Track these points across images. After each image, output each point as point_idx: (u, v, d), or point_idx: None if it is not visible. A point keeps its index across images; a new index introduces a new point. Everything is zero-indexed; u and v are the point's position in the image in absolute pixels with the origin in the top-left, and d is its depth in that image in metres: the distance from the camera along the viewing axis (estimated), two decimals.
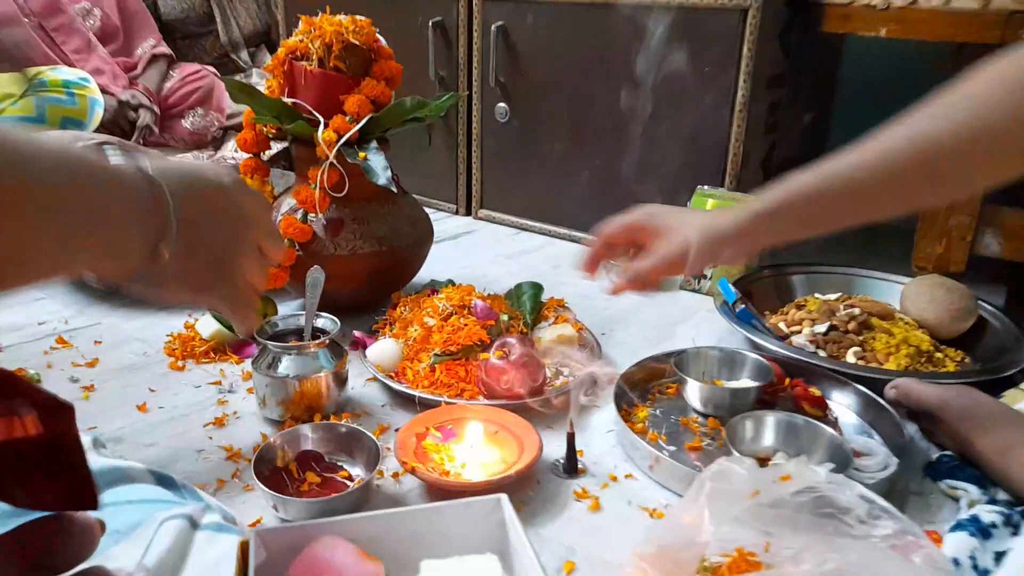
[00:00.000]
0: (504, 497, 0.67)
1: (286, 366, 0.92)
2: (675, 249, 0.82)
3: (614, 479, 0.85)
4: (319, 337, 0.96)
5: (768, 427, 0.88)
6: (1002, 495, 0.81)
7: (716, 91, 1.37)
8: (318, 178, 1.09)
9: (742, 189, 1.39)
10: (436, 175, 1.83)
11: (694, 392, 0.97)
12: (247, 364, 1.05)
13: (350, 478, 0.82)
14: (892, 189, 0.74)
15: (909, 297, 1.18)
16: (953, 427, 0.86)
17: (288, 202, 1.18)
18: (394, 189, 1.06)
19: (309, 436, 0.84)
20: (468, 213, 1.83)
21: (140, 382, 1.03)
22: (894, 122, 0.73)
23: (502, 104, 1.67)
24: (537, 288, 1.18)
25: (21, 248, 0.36)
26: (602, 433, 0.94)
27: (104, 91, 1.83)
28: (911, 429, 0.93)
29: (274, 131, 1.18)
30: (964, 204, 1.21)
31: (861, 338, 1.10)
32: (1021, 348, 1.04)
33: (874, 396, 0.96)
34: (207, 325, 1.11)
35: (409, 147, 1.80)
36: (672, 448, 0.91)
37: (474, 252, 1.61)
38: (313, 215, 1.13)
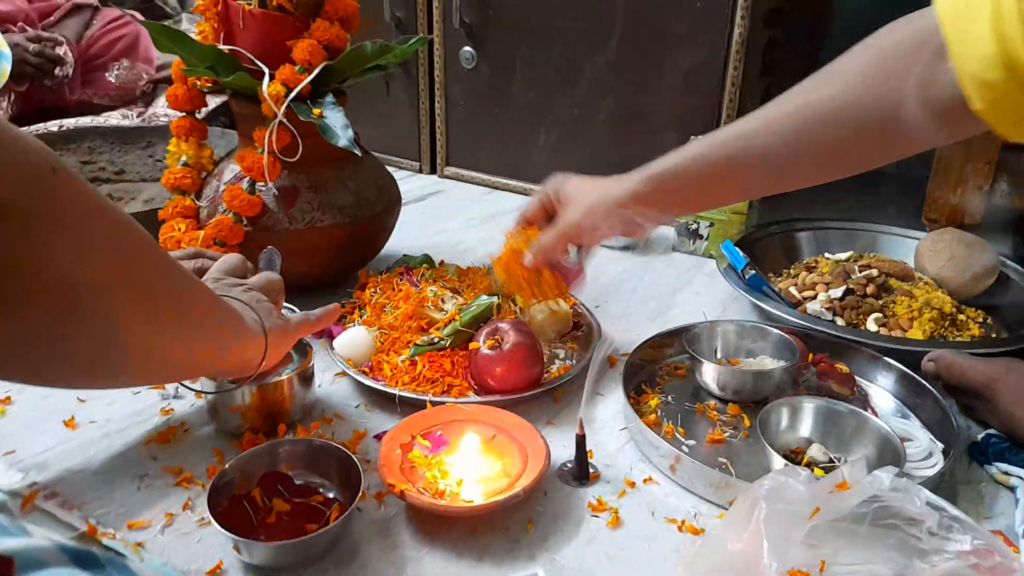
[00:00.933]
0: (540, 573, 0.56)
1: None
2: (569, 219, 0.82)
3: (632, 485, 0.74)
4: None
5: (805, 415, 0.77)
6: None
7: (710, 28, 1.23)
8: (265, 140, 0.92)
9: None
10: (395, 130, 1.67)
11: (710, 375, 0.86)
12: None
13: (326, 502, 0.69)
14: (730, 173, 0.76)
15: (926, 254, 1.09)
16: (1005, 408, 0.76)
17: (231, 169, 1.01)
18: (358, 152, 0.90)
19: (274, 454, 0.71)
20: (433, 171, 1.67)
21: (67, 391, 0.87)
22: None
23: (468, 48, 1.50)
24: None
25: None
26: (612, 429, 0.83)
27: (13, 43, 1.61)
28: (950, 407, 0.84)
29: (209, 84, 1.01)
30: (982, 150, 1.11)
31: (881, 302, 1.00)
32: None
33: (908, 371, 0.86)
34: None
35: (363, 98, 1.63)
36: (692, 443, 0.80)
37: (443, 216, 1.46)
38: (262, 184, 0.97)
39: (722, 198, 0.89)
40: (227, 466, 0.68)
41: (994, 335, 1.00)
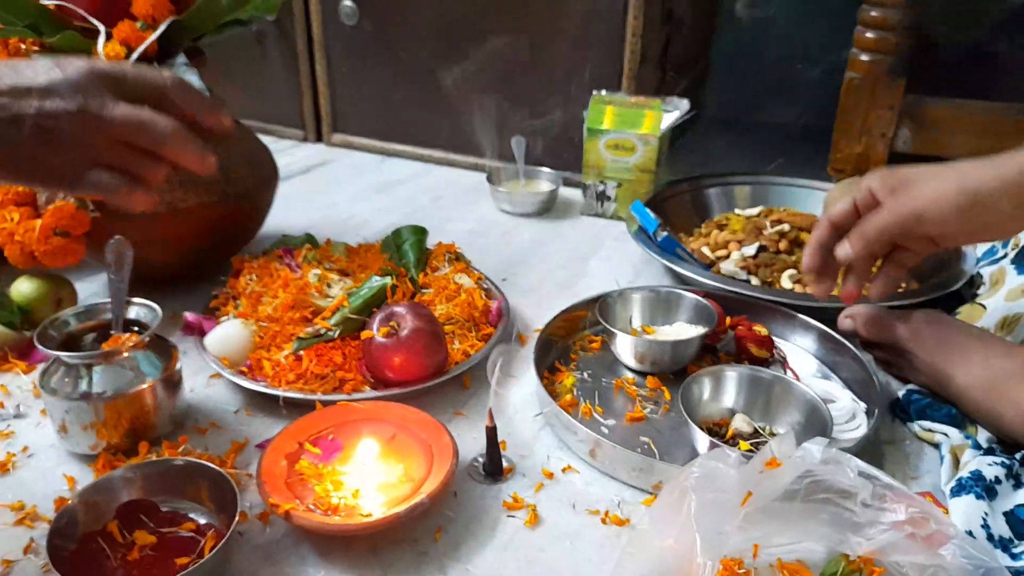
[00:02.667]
0: None
1: (91, 381, 0.66)
2: (910, 203, 0.65)
3: (550, 476, 0.68)
4: (136, 332, 0.70)
5: (728, 385, 0.72)
6: (983, 435, 0.70)
7: None
8: None
9: (642, 90, 1.21)
10: (274, 96, 1.52)
11: (626, 347, 0.80)
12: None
13: (199, 530, 0.59)
14: None
15: (834, 204, 1.06)
16: (926, 360, 0.74)
17: None
18: None
19: (131, 479, 0.60)
20: (319, 139, 1.54)
21: None
22: None
23: (348, 2, 1.37)
24: (420, 233, 0.95)
25: None
26: (525, 415, 0.76)
27: None
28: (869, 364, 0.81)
29: (36, 47, 0.86)
30: (884, 96, 1.09)
31: (794, 258, 0.97)
32: (961, 258, 0.94)
33: (826, 329, 0.83)
34: None
35: (235, 61, 1.48)
36: (611, 423, 0.74)
37: (332, 188, 1.34)
38: None
39: None
40: (71, 500, 0.57)
41: (903, 286, 0.99)
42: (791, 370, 0.81)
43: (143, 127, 0.53)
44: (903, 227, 0.67)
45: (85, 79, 0.52)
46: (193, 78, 0.80)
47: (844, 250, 0.70)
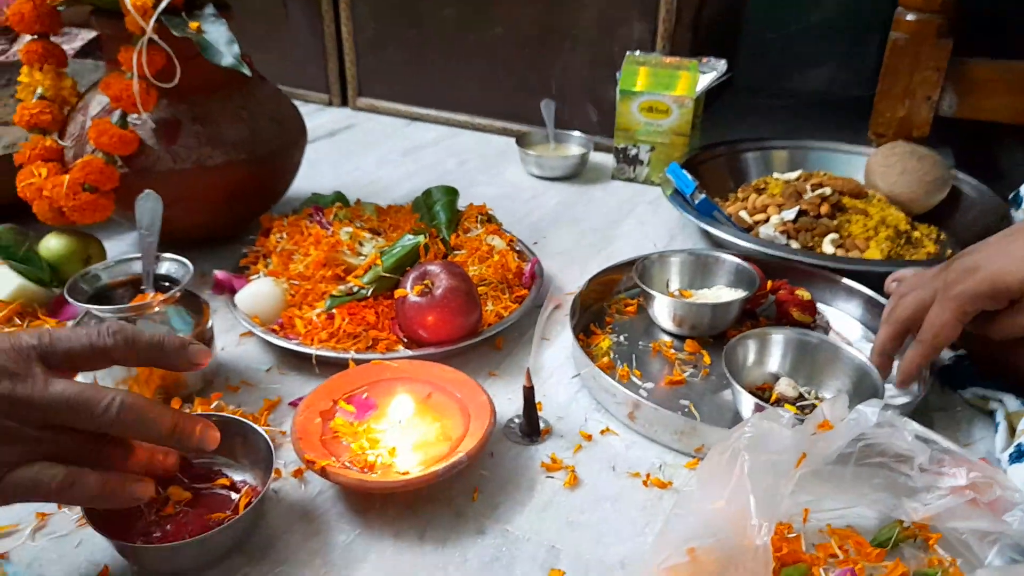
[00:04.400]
0: None
1: None
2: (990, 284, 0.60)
3: (588, 438, 0.66)
4: (166, 289, 0.69)
5: (773, 348, 0.70)
6: None
7: None
8: (134, 62, 0.77)
9: (676, 52, 1.17)
10: (299, 58, 1.50)
11: (664, 310, 0.78)
12: None
13: (234, 487, 0.58)
14: None
15: (876, 170, 1.03)
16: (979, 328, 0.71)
17: (98, 100, 0.85)
18: (246, 72, 0.76)
19: None
20: (344, 103, 1.52)
21: None
22: None
23: None
24: (451, 193, 0.93)
25: None
26: (561, 377, 0.74)
27: None
28: None
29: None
30: (930, 57, 1.05)
31: (835, 222, 0.94)
32: (1010, 221, 0.91)
33: (871, 294, 0.80)
34: (6, 280, 0.80)
35: (260, 23, 1.46)
36: (649, 386, 0.72)
37: (358, 151, 1.32)
38: (135, 116, 0.82)
39: None
40: None
41: (949, 251, 0.96)
42: (837, 334, 0.79)
43: (79, 408, 0.44)
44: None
45: (6, 356, 0.44)
46: (220, 28, 0.78)
47: (894, 289, 0.66)
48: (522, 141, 1.23)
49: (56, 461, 0.45)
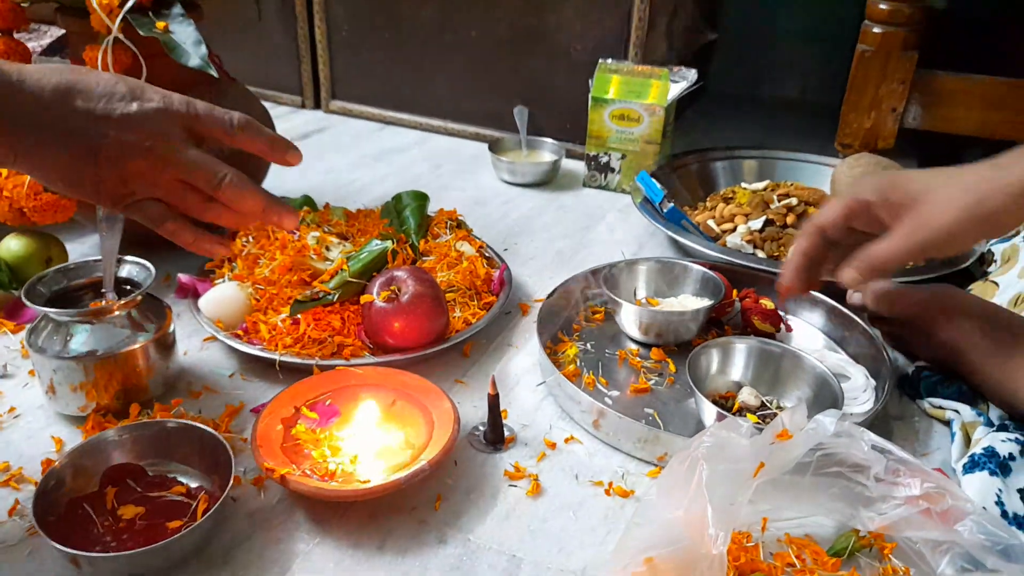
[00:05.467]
0: None
1: (81, 340, 0.64)
2: (935, 225, 0.58)
3: (552, 446, 0.66)
4: (127, 292, 0.68)
5: (736, 357, 0.71)
6: (994, 412, 0.69)
7: None
8: (99, 62, 0.76)
9: (648, 60, 1.18)
10: (272, 59, 1.49)
11: (630, 318, 0.78)
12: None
13: (189, 494, 0.57)
14: None
15: (842, 180, 1.04)
16: (939, 335, 0.72)
17: None
18: (213, 73, 0.76)
19: (118, 441, 0.58)
20: (317, 106, 1.51)
21: None
22: None
23: None
24: (421, 198, 0.93)
25: None
26: (527, 384, 0.74)
27: None
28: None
29: None
30: (896, 70, 1.07)
31: None
32: None
33: (834, 304, 0.81)
34: None
35: (232, 23, 1.44)
36: (615, 394, 0.72)
37: (330, 154, 1.31)
38: None
39: None
40: (58, 462, 0.55)
41: (912, 263, 0.97)
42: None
43: (205, 173, 0.55)
44: (917, 257, 0.61)
45: (161, 119, 0.53)
46: (188, 28, 0.77)
47: (851, 277, 0.63)
48: (494, 147, 1.23)
49: (172, 206, 0.57)
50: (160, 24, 0.76)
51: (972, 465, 0.61)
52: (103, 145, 0.51)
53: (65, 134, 0.51)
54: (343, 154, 1.31)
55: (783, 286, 0.68)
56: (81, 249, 0.93)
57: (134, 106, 0.52)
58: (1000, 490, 0.59)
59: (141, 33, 0.76)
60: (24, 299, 0.64)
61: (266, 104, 0.99)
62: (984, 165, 0.58)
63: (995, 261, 0.87)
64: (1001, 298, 0.78)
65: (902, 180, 0.61)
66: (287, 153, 0.59)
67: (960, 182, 0.58)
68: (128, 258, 0.70)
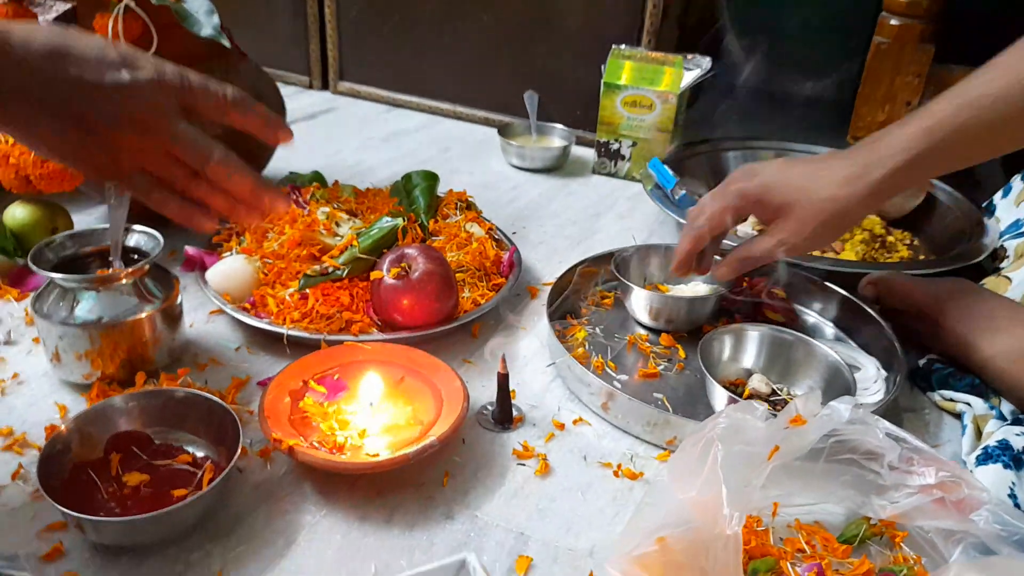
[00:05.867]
0: (470, 559, 0.46)
1: (87, 307, 0.63)
2: (801, 234, 0.66)
3: (560, 427, 0.66)
4: (134, 261, 0.67)
5: (748, 344, 0.70)
6: (1007, 406, 0.68)
7: None
8: (109, 30, 0.75)
9: (661, 47, 1.17)
10: (281, 40, 1.47)
11: (641, 302, 0.78)
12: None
13: (195, 463, 0.57)
14: None
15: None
16: (951, 329, 0.72)
17: None
18: (226, 43, 0.75)
19: (124, 409, 0.58)
20: (325, 87, 1.50)
21: None
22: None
23: None
24: (431, 179, 0.92)
25: None
26: (536, 365, 0.73)
27: None
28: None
29: None
30: (912, 62, 1.06)
31: None
32: (984, 231, 0.92)
33: (847, 295, 0.81)
34: None
35: (244, 4, 1.43)
36: (623, 378, 0.72)
37: (338, 135, 1.31)
38: None
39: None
40: (64, 426, 0.54)
41: (922, 256, 0.97)
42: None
43: (194, 149, 0.53)
44: (786, 256, 0.68)
45: (154, 90, 0.51)
46: (203, 2, 0.76)
47: (722, 272, 0.72)
48: (504, 131, 1.22)
49: (162, 179, 0.54)
50: None
51: (985, 457, 0.61)
52: (92, 115, 0.50)
53: (54, 102, 0.49)
54: (351, 135, 1.31)
55: (673, 272, 0.74)
56: (87, 220, 0.92)
57: (126, 75, 0.50)
58: (1014, 483, 0.58)
59: (153, 2, 0.75)
60: (31, 264, 0.63)
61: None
62: (853, 159, 0.65)
63: (1008, 256, 0.86)
64: (1014, 293, 0.78)
65: (778, 183, 0.67)
66: (279, 131, 0.57)
67: (823, 176, 0.65)
68: (136, 227, 0.69)
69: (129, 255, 0.68)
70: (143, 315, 0.64)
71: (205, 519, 0.53)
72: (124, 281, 0.64)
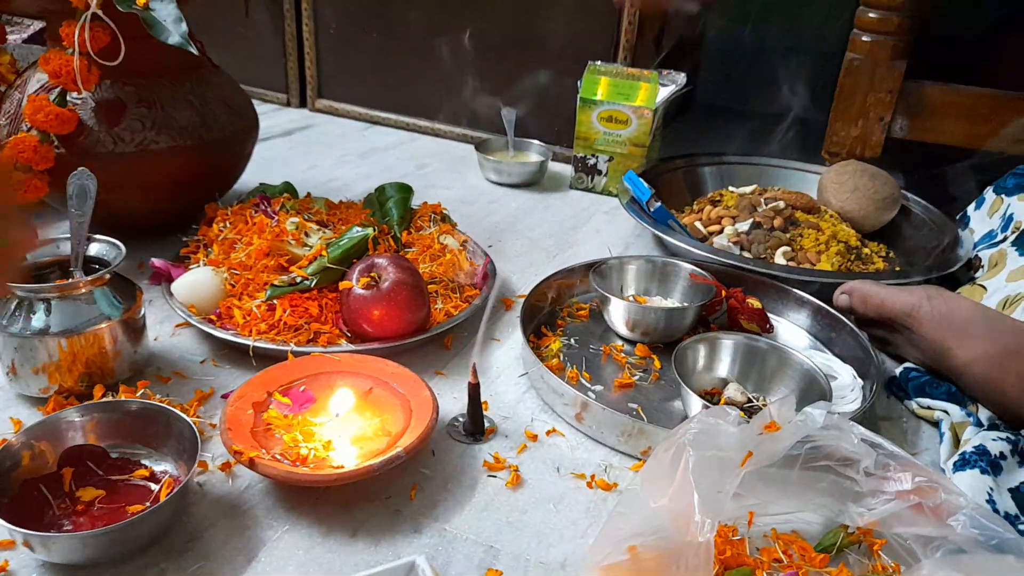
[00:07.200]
0: (419, 561, 0.44)
1: (45, 317, 0.61)
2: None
3: (533, 438, 0.64)
4: (95, 270, 0.65)
5: (723, 353, 0.69)
6: (984, 412, 0.68)
7: None
8: (75, 37, 0.74)
9: (637, 64, 1.18)
10: (258, 57, 1.47)
11: (619, 314, 0.77)
12: None
13: (153, 478, 0.55)
14: None
15: (829, 187, 1.04)
16: (927, 336, 0.71)
17: (37, 78, 0.82)
18: (193, 50, 0.74)
19: (78, 422, 0.56)
20: (303, 104, 1.49)
21: None
22: None
23: None
24: (405, 191, 0.92)
25: None
26: (510, 376, 0.72)
27: None
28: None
29: None
30: (884, 79, 1.07)
31: (788, 235, 0.94)
32: (958, 242, 0.92)
33: (822, 304, 0.80)
34: None
35: (220, 20, 1.43)
36: (598, 388, 0.70)
37: (314, 151, 1.30)
38: (76, 95, 0.78)
39: None
40: (14, 439, 0.52)
41: (898, 268, 0.97)
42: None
43: None
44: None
45: None
46: (168, 6, 0.75)
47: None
48: (481, 147, 1.22)
49: None
50: (141, 0, 0.74)
51: (963, 463, 0.60)
52: None
53: None
54: (328, 151, 1.30)
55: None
56: (52, 233, 0.90)
57: None
58: (991, 488, 0.58)
59: (120, 9, 0.74)
60: None
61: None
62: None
63: (983, 267, 0.86)
64: (989, 301, 0.78)
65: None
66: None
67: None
68: (98, 236, 0.67)
69: (90, 265, 0.66)
70: (103, 325, 0.63)
71: (161, 535, 0.51)
72: (83, 291, 0.63)
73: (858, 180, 1.02)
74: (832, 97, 1.12)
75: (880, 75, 1.07)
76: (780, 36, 1.61)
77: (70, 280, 0.62)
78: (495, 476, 0.59)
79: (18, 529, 0.46)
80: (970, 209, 0.98)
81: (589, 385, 0.70)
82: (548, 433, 0.65)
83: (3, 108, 0.82)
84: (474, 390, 0.62)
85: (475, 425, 0.63)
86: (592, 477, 0.60)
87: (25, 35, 1.69)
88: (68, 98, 0.78)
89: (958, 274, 0.88)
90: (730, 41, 1.65)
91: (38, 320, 0.61)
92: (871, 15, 1.05)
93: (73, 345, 0.61)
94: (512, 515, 0.56)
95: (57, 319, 0.61)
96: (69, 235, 0.66)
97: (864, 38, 1.07)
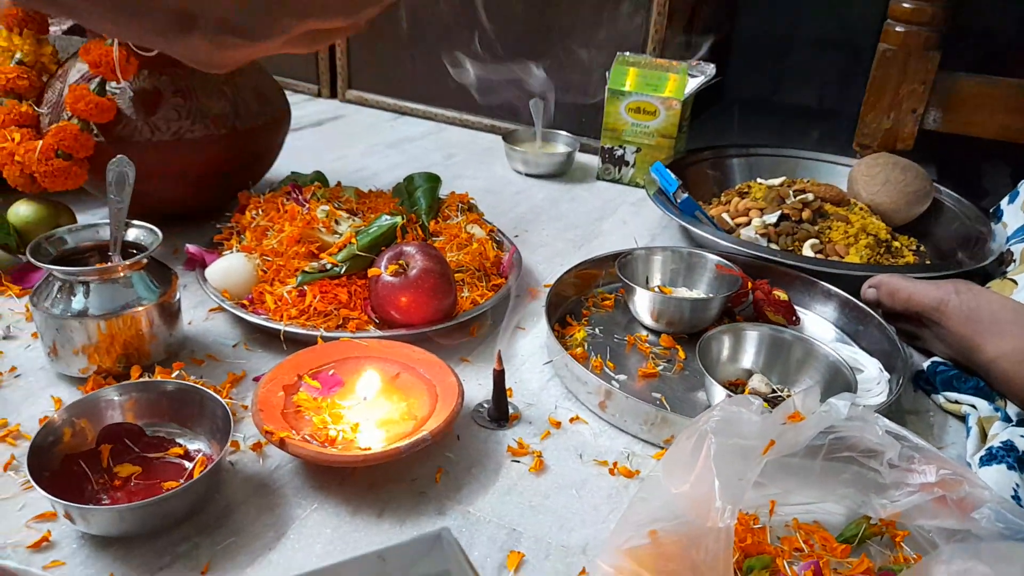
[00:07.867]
0: (445, 533, 0.45)
1: (84, 300, 0.63)
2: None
3: (557, 425, 0.65)
4: (132, 255, 0.67)
5: (747, 344, 0.69)
6: (1012, 408, 0.67)
7: None
8: None
9: (667, 55, 1.17)
10: None
11: (644, 304, 0.77)
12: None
13: (188, 456, 0.56)
14: None
15: (860, 179, 1.03)
16: (955, 331, 0.71)
17: (78, 68, 0.84)
18: None
19: (117, 401, 0.57)
20: (333, 95, 1.51)
21: None
22: None
23: None
24: (433, 180, 0.93)
25: None
26: (534, 364, 0.73)
27: None
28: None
29: None
30: (917, 71, 1.05)
31: (817, 228, 0.94)
32: (991, 235, 0.91)
33: (849, 297, 0.80)
34: None
35: None
36: (622, 378, 0.71)
37: (344, 141, 1.31)
38: (114, 84, 0.80)
39: None
40: (56, 416, 0.54)
41: (928, 262, 0.96)
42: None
43: None
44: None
45: None
46: None
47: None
48: (509, 138, 1.22)
49: None
50: None
51: (989, 458, 0.60)
52: None
53: None
54: (357, 141, 1.31)
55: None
56: (91, 219, 0.92)
57: None
58: (1017, 484, 0.57)
59: None
60: (30, 256, 0.63)
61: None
62: None
63: (1015, 260, 0.85)
64: (1020, 296, 0.76)
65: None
66: None
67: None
68: (135, 222, 0.69)
69: (128, 250, 0.68)
70: (140, 308, 0.64)
71: (194, 511, 0.53)
72: (122, 274, 0.65)
73: (889, 173, 1.01)
74: (863, 89, 1.11)
75: (913, 66, 1.05)
76: (811, 27, 1.60)
77: (109, 264, 0.64)
78: (518, 461, 0.60)
79: (59, 501, 0.48)
80: (1003, 203, 0.96)
81: (613, 374, 0.71)
82: (571, 420, 0.65)
83: (45, 97, 0.85)
84: (499, 377, 0.63)
85: (499, 411, 0.64)
86: (614, 464, 0.60)
87: (65, 26, 1.73)
88: (107, 88, 0.80)
89: (989, 268, 0.87)
90: (760, 32, 1.63)
91: (78, 302, 0.63)
92: (905, 5, 1.04)
93: (111, 327, 0.63)
94: (535, 499, 0.57)
95: (96, 302, 0.63)
96: (108, 221, 0.68)
97: (898, 28, 1.05)
